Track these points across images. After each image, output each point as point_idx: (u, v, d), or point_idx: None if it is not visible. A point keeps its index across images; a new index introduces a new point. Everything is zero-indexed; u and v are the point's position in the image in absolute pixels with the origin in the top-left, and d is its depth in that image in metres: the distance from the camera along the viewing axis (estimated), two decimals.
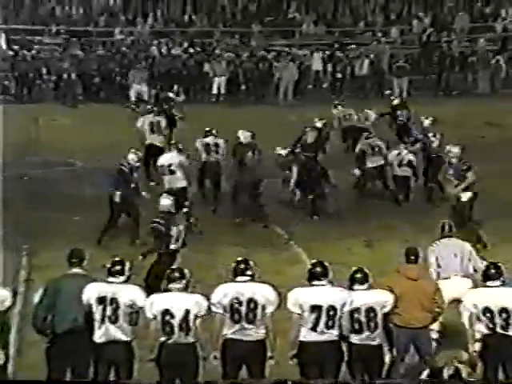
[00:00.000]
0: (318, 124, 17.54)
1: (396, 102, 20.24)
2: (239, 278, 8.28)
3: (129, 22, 30.66)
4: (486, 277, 8.41)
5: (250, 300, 8.14)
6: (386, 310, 8.38)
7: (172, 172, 14.38)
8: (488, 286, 8.37)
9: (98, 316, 8.19)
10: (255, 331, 8.17)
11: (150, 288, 9.58)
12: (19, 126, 19.39)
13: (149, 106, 19.26)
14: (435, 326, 9.22)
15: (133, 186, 13.67)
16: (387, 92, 24.70)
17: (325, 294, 8.20)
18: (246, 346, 8.16)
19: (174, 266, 9.73)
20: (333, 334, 8.17)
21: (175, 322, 8.03)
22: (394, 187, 15.91)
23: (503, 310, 8.17)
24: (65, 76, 25.85)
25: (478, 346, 8.23)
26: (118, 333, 8.17)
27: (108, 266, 8.42)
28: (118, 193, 13.36)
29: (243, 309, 8.14)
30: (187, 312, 8.04)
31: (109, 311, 8.16)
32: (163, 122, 17.28)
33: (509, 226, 13.90)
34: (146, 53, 28.06)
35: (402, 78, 26.84)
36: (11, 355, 8.68)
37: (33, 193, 16.04)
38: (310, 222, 14.78)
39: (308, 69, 27.68)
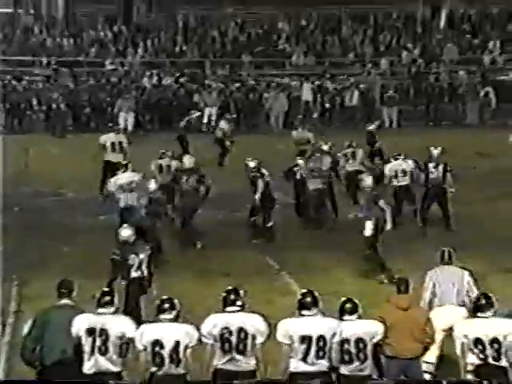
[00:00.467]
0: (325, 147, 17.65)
1: (372, 127, 20.61)
2: (229, 309, 8.25)
3: (119, 53, 30.83)
4: (477, 307, 8.37)
5: (240, 330, 8.11)
6: (376, 340, 8.36)
7: (131, 190, 14.88)
8: (479, 317, 8.34)
9: (87, 348, 8.13)
10: (246, 361, 8.13)
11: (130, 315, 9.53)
12: (10, 156, 19.39)
13: None
14: (430, 358, 9.18)
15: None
16: (377, 122, 24.82)
17: (314, 324, 8.17)
18: (237, 376, 8.11)
19: (151, 295, 9.65)
20: (323, 365, 8.13)
21: (165, 353, 7.98)
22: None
23: (494, 341, 8.12)
24: (54, 106, 25.93)
25: (470, 377, 8.20)
26: (107, 364, 8.11)
27: (97, 296, 8.39)
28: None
29: (233, 339, 8.11)
30: (177, 343, 8.00)
31: (98, 342, 8.11)
32: (125, 142, 18.23)
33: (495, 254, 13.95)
34: (136, 83, 28.20)
35: (392, 108, 27.07)
36: None
37: (23, 223, 16.02)
38: (300, 251, 14.76)
39: (298, 99, 27.82)
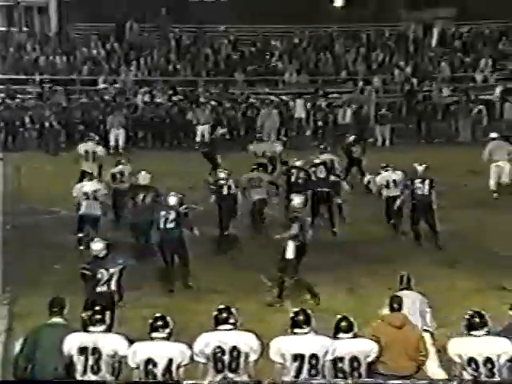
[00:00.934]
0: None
1: (351, 138, 21.46)
2: (222, 327, 8.22)
3: (112, 71, 30.84)
4: (471, 326, 8.33)
5: (233, 349, 8.09)
6: (370, 359, 8.33)
7: (95, 198, 15.54)
8: (472, 335, 8.30)
9: (79, 367, 8.10)
10: (239, 380, 8.09)
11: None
12: (4, 174, 19.31)
13: None
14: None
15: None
16: (370, 140, 24.91)
17: (307, 342, 8.15)
18: None
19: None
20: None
21: (158, 372, 7.95)
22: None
23: (488, 361, 8.09)
24: (47, 124, 25.92)
25: None
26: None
27: (89, 314, 8.35)
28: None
29: (226, 358, 8.09)
30: (170, 361, 7.97)
31: (91, 361, 8.08)
32: (100, 151, 19.19)
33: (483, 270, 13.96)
34: (129, 101, 28.21)
35: (385, 126, 27.10)
36: None
37: (15, 241, 15.94)
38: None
39: (291, 116, 27.88)
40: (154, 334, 8.14)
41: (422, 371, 9.02)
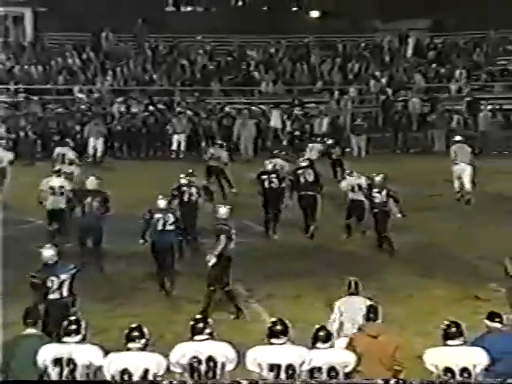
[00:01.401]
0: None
1: (330, 141, 22.94)
2: (198, 337, 8.20)
3: (88, 81, 30.75)
4: (447, 336, 8.34)
5: (210, 359, 8.06)
6: (348, 369, 8.33)
7: (61, 194, 16.23)
8: (449, 345, 8.31)
9: (54, 377, 8.03)
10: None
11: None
12: None
13: None
14: None
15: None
16: (347, 150, 25.01)
17: (283, 352, 8.14)
18: None
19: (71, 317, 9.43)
20: None
21: (134, 382, 7.90)
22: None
23: (464, 370, 8.10)
24: (22, 134, 25.80)
25: None
26: None
27: (64, 325, 8.29)
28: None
29: (202, 368, 8.06)
30: (146, 371, 7.93)
31: (66, 372, 8.01)
32: (71, 155, 20.16)
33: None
34: (105, 110, 28.14)
35: (361, 136, 27.19)
36: None
37: None
38: (270, 278, 14.73)
39: (267, 126, 27.93)
40: (130, 345, 8.09)
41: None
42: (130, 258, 15.31)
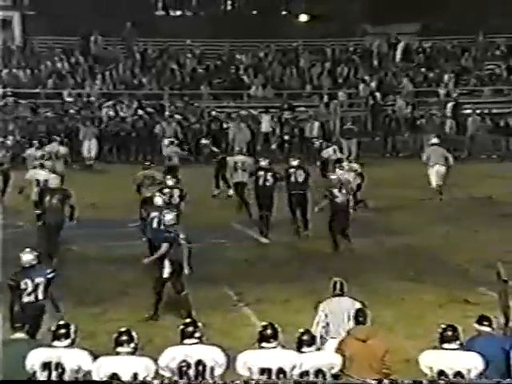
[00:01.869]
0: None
1: (317, 144, 23.55)
2: (187, 341, 8.18)
3: (77, 84, 30.69)
4: (443, 339, 8.32)
5: (199, 363, 8.04)
6: (335, 371, 8.32)
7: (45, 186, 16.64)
8: (444, 349, 8.28)
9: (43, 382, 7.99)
10: None
11: None
12: None
13: None
14: None
15: None
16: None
17: (274, 356, 8.12)
18: None
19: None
20: None
21: None
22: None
23: (458, 374, 8.09)
24: (11, 138, 25.70)
25: None
26: None
27: (53, 329, 8.26)
28: None
29: (192, 372, 8.03)
30: (135, 376, 7.90)
31: (54, 377, 7.98)
32: (62, 150, 21.20)
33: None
34: (93, 114, 28.09)
35: (351, 140, 27.19)
36: None
37: None
38: (259, 282, 14.72)
39: (258, 130, 27.95)
40: (119, 349, 8.06)
41: None
42: (118, 262, 15.27)
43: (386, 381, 8.01)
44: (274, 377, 8.04)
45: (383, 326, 10.52)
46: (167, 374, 8.05)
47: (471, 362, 8.18)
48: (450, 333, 8.32)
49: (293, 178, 17.58)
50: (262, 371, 8.05)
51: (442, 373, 8.14)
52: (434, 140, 22.01)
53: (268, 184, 17.48)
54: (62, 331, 8.22)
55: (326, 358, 8.33)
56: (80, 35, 32.56)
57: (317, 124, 27.67)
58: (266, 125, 28.12)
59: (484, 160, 26.68)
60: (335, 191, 16.38)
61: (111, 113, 28.07)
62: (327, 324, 10.01)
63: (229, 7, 37.60)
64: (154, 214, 14.66)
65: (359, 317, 9.13)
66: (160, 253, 12.92)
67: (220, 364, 8.10)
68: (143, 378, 7.91)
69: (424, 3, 31.95)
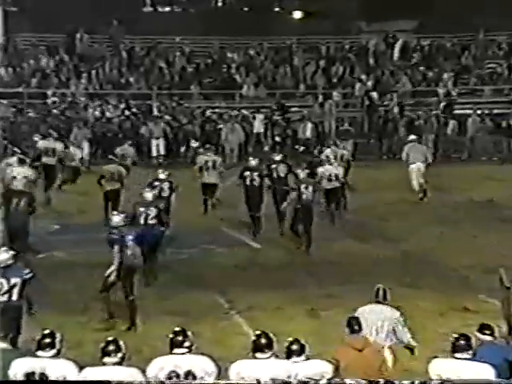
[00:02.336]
0: None
1: (301, 149, 23.35)
2: (176, 350, 8.19)
3: (62, 84, 30.66)
4: (455, 348, 8.31)
5: (188, 373, 8.04)
6: (325, 381, 8.31)
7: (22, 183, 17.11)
8: (456, 358, 8.26)
9: None
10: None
11: None
12: None
13: None
14: None
15: None
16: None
17: (269, 366, 8.13)
18: None
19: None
20: None
21: None
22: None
23: None
24: None
25: None
26: None
27: (37, 338, 8.25)
28: None
29: (181, 382, 8.04)
30: None
31: None
32: (59, 147, 21.33)
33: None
34: (79, 115, 28.05)
35: (347, 142, 27.16)
36: None
37: None
38: (250, 289, 14.75)
39: (250, 131, 27.99)
40: (106, 359, 8.06)
41: None
42: (105, 268, 15.23)
43: (381, 381, 8.04)
44: None
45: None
46: None
47: (483, 374, 8.16)
48: (462, 342, 8.31)
49: (274, 174, 18.17)
50: (257, 382, 8.05)
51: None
52: (412, 137, 22.49)
53: (255, 184, 17.85)
54: (47, 340, 8.21)
55: (315, 367, 8.33)
56: (65, 32, 32.53)
57: (310, 125, 27.68)
58: (257, 125, 28.14)
59: (484, 162, 26.74)
60: (302, 187, 16.86)
61: (97, 113, 28.05)
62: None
63: (220, 3, 37.65)
64: (141, 209, 14.95)
65: (354, 325, 9.15)
66: (117, 258, 13.03)
67: (210, 374, 8.09)
68: None
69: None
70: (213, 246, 17.28)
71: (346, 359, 8.69)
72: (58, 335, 8.30)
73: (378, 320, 10.01)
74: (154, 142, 26.72)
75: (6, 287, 11.03)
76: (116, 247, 13.05)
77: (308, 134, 27.54)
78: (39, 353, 8.15)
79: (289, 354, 8.29)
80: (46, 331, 8.34)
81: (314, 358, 8.32)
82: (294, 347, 8.31)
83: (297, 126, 28.03)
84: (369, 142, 28.67)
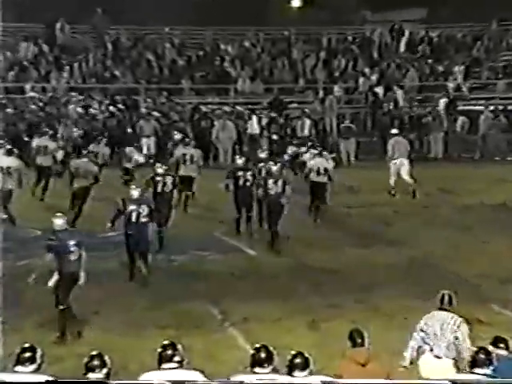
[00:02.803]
0: None
1: (294, 150, 23.95)
2: (166, 365, 8.21)
3: (42, 77, 30.67)
4: (474, 362, 8.35)
5: None
6: None
7: (9, 173, 18.63)
8: (475, 373, 8.29)
9: None
10: None
11: None
12: None
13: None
14: None
15: None
16: (333, 155, 25.05)
17: (268, 381, 8.14)
18: None
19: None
20: None
21: None
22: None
23: None
24: None
25: None
26: None
27: (17, 352, 8.27)
28: None
29: None
30: None
31: None
32: (51, 146, 21.93)
33: None
34: (60, 111, 28.04)
35: (349, 140, 27.22)
36: None
37: None
38: (245, 299, 14.76)
39: (245, 129, 27.99)
40: (90, 375, 8.07)
41: None
42: (89, 277, 15.24)
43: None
44: None
45: (386, 348, 10.55)
46: None
47: None
48: (482, 356, 8.35)
49: (263, 172, 18.70)
50: None
51: None
52: (394, 130, 23.28)
53: (248, 184, 18.30)
54: (27, 355, 8.22)
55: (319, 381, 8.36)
56: (44, 22, 32.53)
57: (308, 122, 27.70)
58: (254, 126, 28.11)
59: (497, 162, 26.79)
60: (270, 182, 17.45)
61: (80, 110, 28.03)
62: (424, 341, 10.08)
63: None
64: (131, 207, 15.20)
65: (356, 338, 9.17)
66: (45, 261, 13.17)
67: None
68: None
69: None
70: (206, 253, 17.30)
71: (349, 374, 8.71)
72: (38, 349, 8.30)
73: (439, 327, 10.05)
74: (144, 141, 26.70)
75: None
76: (48, 255, 13.16)
77: (306, 131, 27.56)
78: (18, 368, 8.16)
79: (291, 369, 8.28)
80: (26, 345, 8.35)
81: (317, 374, 8.35)
82: (298, 360, 8.29)
83: (295, 123, 28.04)
84: (371, 140, 28.67)
